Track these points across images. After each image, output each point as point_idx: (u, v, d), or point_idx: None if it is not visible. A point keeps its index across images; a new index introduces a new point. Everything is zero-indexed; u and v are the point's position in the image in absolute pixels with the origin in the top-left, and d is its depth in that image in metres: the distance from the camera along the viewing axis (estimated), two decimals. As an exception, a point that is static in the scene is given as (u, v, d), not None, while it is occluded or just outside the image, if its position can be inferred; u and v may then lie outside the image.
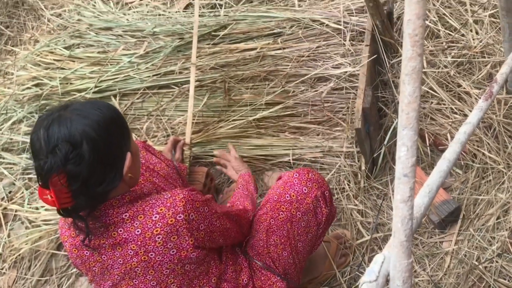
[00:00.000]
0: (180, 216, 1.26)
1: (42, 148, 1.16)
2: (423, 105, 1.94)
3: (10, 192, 2.35)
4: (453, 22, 2.07)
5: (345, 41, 2.06)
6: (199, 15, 2.32)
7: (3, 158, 2.44)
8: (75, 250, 1.31)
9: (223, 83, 2.15)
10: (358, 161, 1.94)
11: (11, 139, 2.47)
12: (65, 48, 2.55)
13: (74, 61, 2.49)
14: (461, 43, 2.02)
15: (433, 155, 1.90)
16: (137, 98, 2.32)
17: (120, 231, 1.26)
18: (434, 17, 2.09)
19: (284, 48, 2.15)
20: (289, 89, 2.09)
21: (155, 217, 1.25)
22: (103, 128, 1.19)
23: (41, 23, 2.85)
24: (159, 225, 1.25)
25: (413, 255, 1.72)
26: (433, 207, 1.76)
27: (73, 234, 1.31)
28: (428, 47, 2.03)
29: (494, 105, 1.89)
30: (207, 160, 2.13)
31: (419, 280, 1.70)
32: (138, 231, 1.25)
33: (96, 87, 2.35)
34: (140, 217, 1.26)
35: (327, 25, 2.13)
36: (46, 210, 2.21)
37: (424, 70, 1.95)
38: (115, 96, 2.34)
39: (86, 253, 1.30)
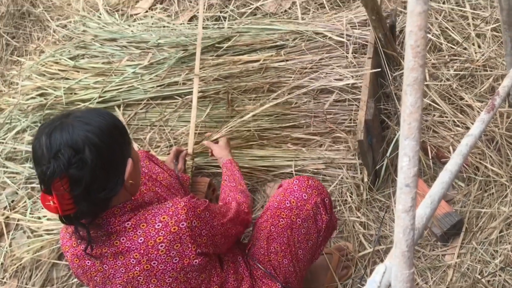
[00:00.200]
0: (183, 224, 1.26)
1: (44, 154, 1.16)
2: (426, 117, 1.94)
3: (12, 201, 2.35)
4: (456, 36, 2.08)
5: (348, 53, 2.07)
6: (203, 27, 2.34)
7: (7, 167, 2.45)
8: (76, 260, 1.31)
9: (226, 94, 2.16)
10: (361, 173, 1.94)
11: (15, 148, 2.48)
12: (70, 58, 2.57)
13: (78, 72, 2.51)
14: (463, 57, 2.03)
15: (436, 167, 1.90)
16: (141, 109, 2.33)
17: (123, 239, 1.26)
18: (437, 30, 2.10)
19: (287, 60, 2.16)
20: (292, 100, 2.09)
21: (158, 225, 1.25)
22: (105, 134, 1.20)
23: (47, 34, 2.87)
24: (162, 233, 1.25)
25: (415, 268, 1.71)
26: (436, 220, 1.76)
27: (74, 243, 1.31)
28: (430, 60, 2.04)
29: (496, 118, 1.89)
30: (210, 171, 2.13)
31: (421, 293, 1.69)
32: (140, 240, 1.25)
33: (100, 97, 2.37)
34: (143, 226, 1.26)
35: (330, 37, 2.14)
36: (48, 219, 2.21)
37: (426, 83, 1.96)
38: (119, 106, 2.36)
39: (88, 262, 1.30)
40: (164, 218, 1.26)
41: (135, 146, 2.28)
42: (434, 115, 1.94)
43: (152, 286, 1.29)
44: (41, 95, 2.53)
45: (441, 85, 1.97)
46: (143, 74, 2.36)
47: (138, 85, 2.34)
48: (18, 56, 2.90)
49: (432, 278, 1.70)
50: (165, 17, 2.65)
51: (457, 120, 1.91)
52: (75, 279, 2.03)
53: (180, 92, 2.28)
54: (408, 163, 0.82)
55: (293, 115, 2.09)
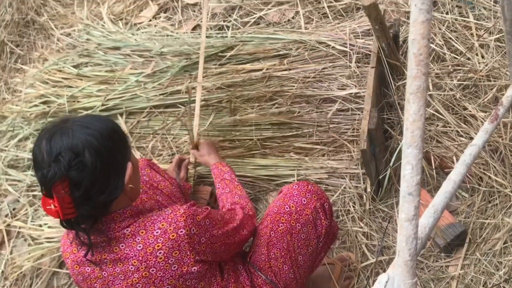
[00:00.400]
0: (181, 231, 1.26)
1: (45, 158, 1.17)
2: (429, 127, 1.94)
3: (14, 209, 2.35)
4: (459, 46, 2.08)
5: (351, 63, 2.07)
6: (207, 36, 2.35)
7: (9, 175, 2.45)
8: (76, 267, 1.31)
9: (229, 102, 2.16)
10: (364, 182, 1.93)
11: (17, 156, 2.48)
12: (73, 66, 2.58)
13: (82, 80, 2.52)
14: (466, 67, 2.02)
15: (439, 177, 1.89)
16: (144, 117, 2.33)
17: (122, 246, 1.25)
18: (440, 40, 2.10)
19: (290, 69, 2.16)
20: (295, 109, 2.09)
21: (157, 232, 1.25)
22: (104, 137, 1.21)
23: (51, 42, 2.89)
24: (160, 240, 1.25)
25: (419, 279, 1.69)
26: (439, 231, 1.74)
27: (74, 250, 1.31)
28: (434, 70, 2.04)
29: (500, 129, 1.88)
30: (212, 180, 2.12)
31: (424, 305, 1.67)
32: (139, 247, 1.25)
33: (103, 105, 2.37)
34: (142, 232, 1.26)
35: (333, 47, 2.14)
36: (49, 227, 2.21)
37: (430, 92, 1.96)
38: (121, 114, 2.36)
39: (88, 269, 1.29)
40: (163, 225, 1.26)
41: (138, 154, 2.27)
42: (437, 125, 1.94)
43: None
44: (44, 102, 2.54)
45: (444, 95, 1.97)
46: (146, 82, 2.37)
47: (141, 93, 2.34)
48: (22, 64, 2.91)
49: (435, 289, 1.69)
50: (168, 26, 2.66)
51: (461, 130, 1.90)
52: (76, 287, 2.02)
53: (182, 100, 2.28)
54: (411, 171, 0.81)
55: (296, 124, 2.09)
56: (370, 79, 1.87)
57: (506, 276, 1.64)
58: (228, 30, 2.48)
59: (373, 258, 1.80)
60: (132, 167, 1.27)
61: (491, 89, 1.97)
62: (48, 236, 2.19)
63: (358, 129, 1.97)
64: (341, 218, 1.91)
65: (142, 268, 1.26)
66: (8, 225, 2.30)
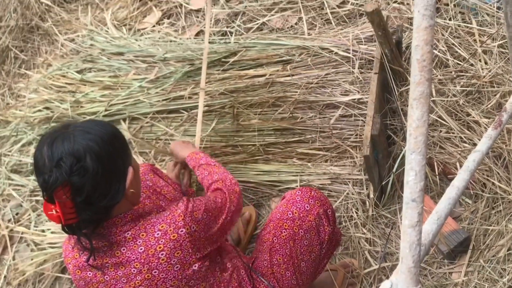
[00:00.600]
0: (182, 231, 1.27)
1: (46, 164, 1.18)
2: (432, 133, 1.93)
3: (17, 214, 2.35)
4: (462, 52, 2.08)
5: (354, 69, 2.07)
6: (210, 42, 2.36)
7: (12, 180, 2.45)
8: (78, 272, 1.31)
9: (232, 108, 2.16)
10: (367, 188, 1.92)
11: (20, 161, 2.48)
12: (77, 72, 2.59)
13: (85, 85, 2.53)
14: (470, 73, 2.02)
15: (442, 184, 1.89)
16: (146, 122, 2.34)
17: (123, 250, 1.26)
18: (443, 46, 2.10)
19: (293, 75, 2.17)
20: (298, 115, 2.09)
21: (157, 234, 1.26)
22: (105, 143, 1.22)
23: (55, 48, 2.90)
24: (162, 241, 1.26)
25: (422, 286, 1.68)
26: (442, 237, 1.74)
27: (76, 255, 1.31)
28: (437, 76, 2.04)
29: (504, 135, 1.88)
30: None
31: (428, 312, 1.66)
32: (141, 249, 1.26)
33: (106, 110, 2.37)
34: (142, 235, 1.26)
35: (336, 53, 2.14)
36: (52, 233, 2.21)
37: (433, 98, 1.96)
38: (124, 120, 2.36)
39: (89, 274, 1.30)
40: (163, 226, 1.27)
41: (140, 160, 2.27)
42: (440, 131, 1.93)
43: None
44: (47, 108, 2.55)
45: (447, 101, 1.97)
46: (149, 88, 2.37)
47: (144, 99, 2.35)
48: (26, 69, 2.92)
49: (439, 296, 1.68)
50: (172, 32, 2.67)
51: (464, 136, 1.90)
52: (78, 293, 2.02)
53: (185, 106, 2.29)
54: (414, 177, 0.81)
55: (298, 130, 2.09)
56: (373, 85, 1.87)
57: (510, 283, 1.63)
58: (231, 36, 2.48)
59: (376, 265, 1.79)
60: (133, 171, 1.28)
61: (495, 95, 1.96)
62: (51, 241, 2.19)
63: (361, 135, 1.96)
64: (344, 224, 1.91)
65: (144, 270, 1.26)
66: (11, 230, 2.30)
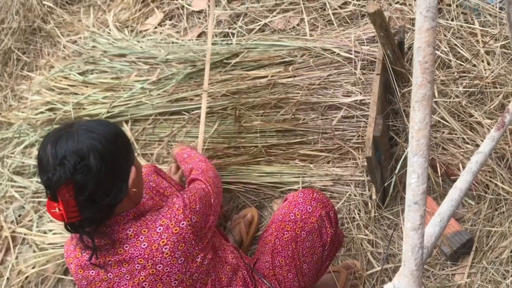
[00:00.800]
0: (183, 224, 1.29)
1: (50, 162, 1.18)
2: (435, 134, 1.93)
3: (19, 215, 2.35)
4: (465, 53, 2.07)
5: (356, 70, 2.07)
6: (212, 43, 2.36)
7: (14, 181, 2.46)
8: (80, 271, 1.32)
9: (234, 110, 2.16)
10: (369, 190, 1.92)
11: (23, 162, 2.49)
12: (79, 73, 2.60)
13: (87, 87, 2.53)
14: (472, 74, 2.01)
15: (445, 185, 1.88)
16: (149, 124, 2.34)
17: (126, 247, 1.27)
18: (445, 47, 2.09)
19: (295, 76, 2.16)
20: (300, 116, 2.09)
21: (159, 229, 1.28)
22: (109, 142, 1.23)
23: (57, 50, 2.90)
24: (165, 236, 1.27)
25: None
26: (445, 239, 1.73)
27: (78, 255, 1.32)
28: (439, 76, 2.03)
29: (506, 136, 1.87)
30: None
31: (430, 314, 1.65)
32: (144, 245, 1.27)
33: (108, 112, 2.38)
34: (144, 231, 1.28)
35: (338, 54, 2.14)
36: (54, 234, 2.21)
37: (435, 99, 1.95)
38: (126, 121, 2.36)
39: (92, 272, 1.30)
40: (163, 221, 1.29)
41: (143, 161, 2.27)
42: (443, 132, 1.93)
43: None
44: (50, 109, 2.55)
45: (450, 102, 1.96)
46: (151, 89, 2.37)
47: (146, 100, 2.35)
48: (28, 71, 2.92)
49: (441, 298, 1.67)
50: (174, 33, 2.67)
51: (467, 137, 1.89)
52: (80, 295, 2.02)
53: (188, 107, 2.29)
54: (416, 180, 0.81)
55: (300, 131, 2.08)
56: (375, 86, 1.87)
57: (513, 284, 1.62)
58: (233, 37, 2.48)
59: (379, 266, 1.79)
60: (135, 171, 1.29)
61: (497, 96, 1.96)
62: (52, 241, 2.19)
63: (363, 136, 1.96)
64: (346, 225, 1.91)
65: (148, 265, 1.27)
66: (13, 231, 2.30)
